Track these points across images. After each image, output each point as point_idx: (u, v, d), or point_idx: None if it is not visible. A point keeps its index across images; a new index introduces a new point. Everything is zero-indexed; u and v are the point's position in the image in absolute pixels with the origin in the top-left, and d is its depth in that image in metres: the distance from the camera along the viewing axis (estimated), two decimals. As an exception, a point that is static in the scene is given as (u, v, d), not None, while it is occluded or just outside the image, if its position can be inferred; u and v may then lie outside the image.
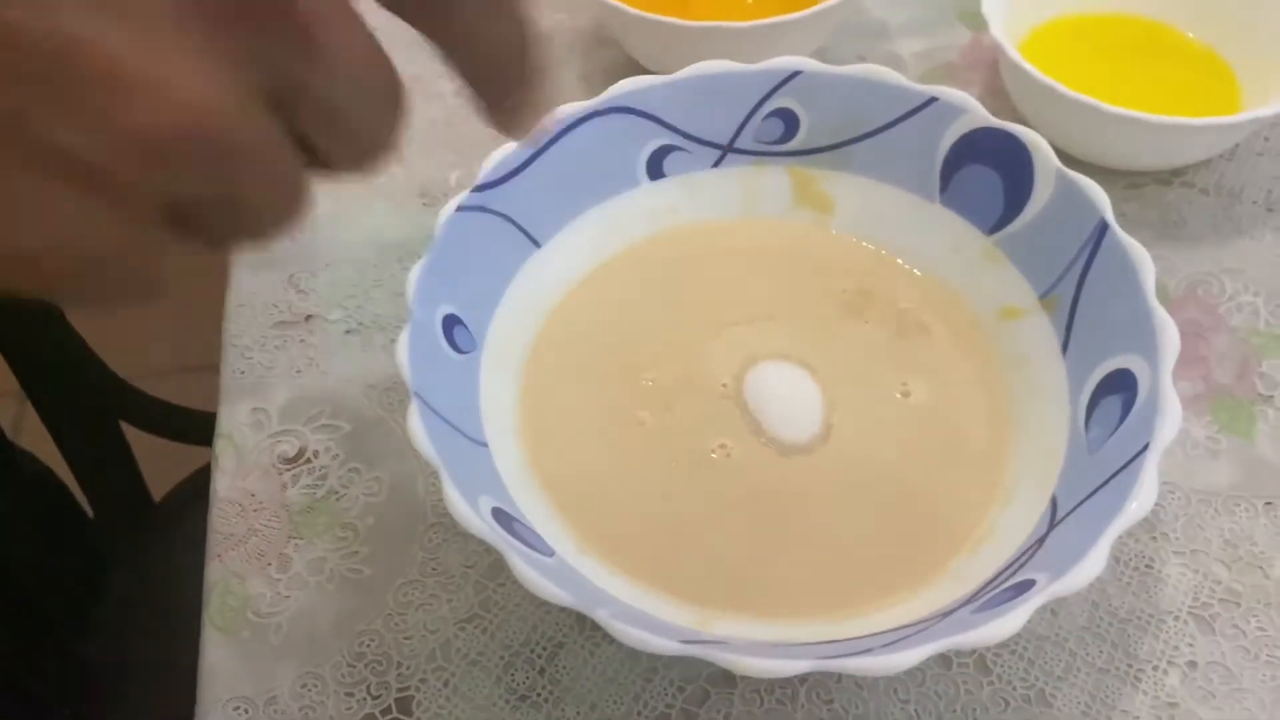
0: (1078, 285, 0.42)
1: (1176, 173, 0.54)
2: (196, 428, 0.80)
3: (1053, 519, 0.38)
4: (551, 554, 0.38)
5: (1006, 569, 0.37)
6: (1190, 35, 0.57)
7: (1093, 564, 0.33)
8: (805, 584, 0.39)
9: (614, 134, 0.46)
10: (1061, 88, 0.49)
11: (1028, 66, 0.50)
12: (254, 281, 0.51)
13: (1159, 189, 0.53)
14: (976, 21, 0.60)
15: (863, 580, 0.39)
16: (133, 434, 0.84)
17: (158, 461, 0.86)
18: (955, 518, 0.40)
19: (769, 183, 0.48)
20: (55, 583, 0.74)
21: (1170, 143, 0.50)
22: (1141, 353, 0.39)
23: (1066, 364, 0.42)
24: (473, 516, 0.35)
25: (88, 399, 0.79)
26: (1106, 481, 0.37)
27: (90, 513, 0.80)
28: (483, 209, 0.43)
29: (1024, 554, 0.37)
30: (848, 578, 0.39)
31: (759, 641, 0.36)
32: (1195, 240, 0.52)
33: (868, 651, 0.33)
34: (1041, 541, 0.37)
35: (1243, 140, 0.54)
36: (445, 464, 0.36)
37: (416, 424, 0.36)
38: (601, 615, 0.33)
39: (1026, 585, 0.34)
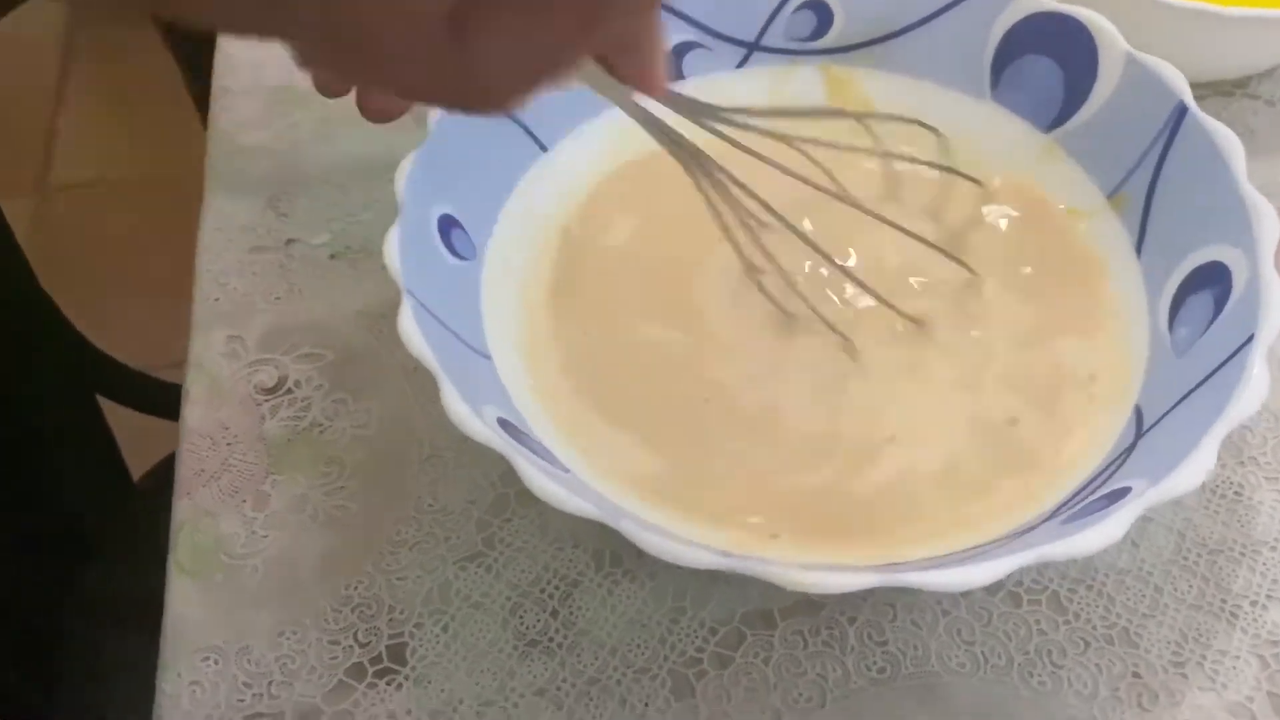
0: (1153, 177, 0.38)
1: (1239, 84, 0.49)
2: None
3: (1139, 428, 0.33)
4: (567, 472, 0.33)
5: (1092, 481, 0.32)
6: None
7: (1201, 463, 0.29)
8: (860, 504, 0.34)
9: (628, 28, 0.42)
10: (1119, -21, 0.44)
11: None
12: (230, 205, 0.46)
13: (1221, 101, 0.49)
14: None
15: (929, 499, 0.34)
16: (112, 411, 0.79)
17: (138, 440, 0.81)
18: (1026, 432, 0.35)
19: (801, 84, 0.44)
20: (27, 565, 0.68)
21: (1241, 41, 0.46)
22: (1234, 241, 0.34)
23: (1142, 264, 0.37)
24: (475, 421, 0.30)
25: (62, 370, 0.74)
26: (1203, 381, 0.32)
27: (64, 492, 0.75)
28: (483, 101, 0.38)
29: (1110, 465, 0.32)
30: (911, 495, 0.34)
31: (809, 562, 0.31)
32: (1269, 152, 0.47)
33: (942, 566, 0.28)
34: (1130, 450, 0.32)
35: (1309, 49, 0.50)
36: (443, 367, 0.31)
37: (410, 322, 0.32)
38: (628, 526, 0.28)
39: (1121, 493, 0.30)
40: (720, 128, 0.35)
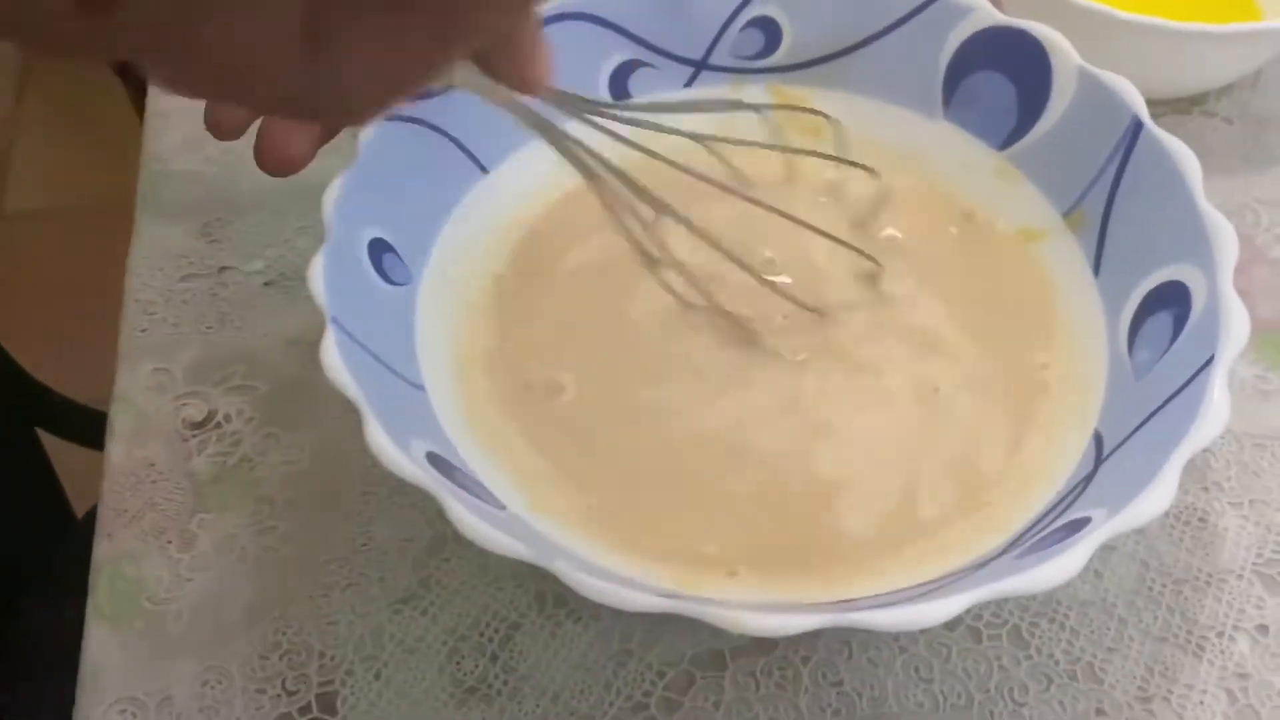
0: (1109, 195, 0.36)
1: (1195, 101, 0.49)
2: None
3: (1099, 455, 0.32)
4: (503, 509, 0.31)
5: (1050, 511, 0.31)
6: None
7: (1163, 491, 0.27)
8: (805, 539, 0.32)
9: (571, 46, 0.40)
10: (1072, -5, 0.43)
11: (1033, -24, 0.45)
12: (160, 231, 0.44)
13: (1177, 119, 0.48)
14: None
15: (875, 531, 0.32)
16: (57, 446, 0.76)
17: (84, 475, 0.79)
18: (983, 461, 0.34)
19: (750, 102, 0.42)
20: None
21: (1194, 58, 0.45)
22: (1194, 260, 0.33)
23: (1100, 285, 0.36)
24: (400, 457, 0.28)
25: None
26: (1164, 405, 0.31)
27: None
28: (419, 121, 0.37)
29: (1070, 493, 0.31)
30: (857, 528, 0.32)
31: (757, 601, 0.29)
32: (1226, 171, 0.46)
33: (895, 604, 0.27)
34: (1089, 479, 0.31)
35: (1264, 65, 0.49)
36: (369, 400, 0.29)
37: (333, 353, 0.30)
38: (563, 568, 0.26)
39: (1081, 523, 0.28)
40: (615, 125, 0.35)
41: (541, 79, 0.27)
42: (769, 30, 0.42)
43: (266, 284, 0.43)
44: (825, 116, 0.40)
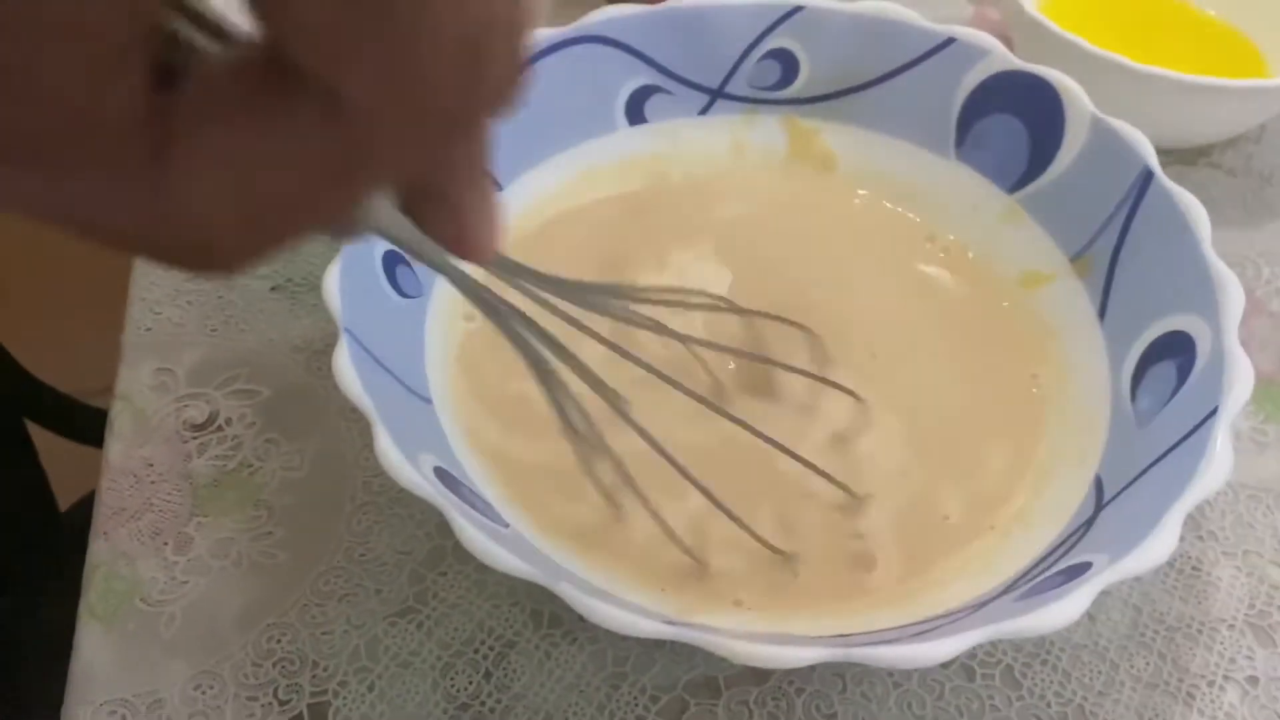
0: (1118, 242, 0.37)
1: (1202, 152, 0.49)
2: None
3: (1099, 500, 0.32)
4: (506, 526, 0.31)
5: (1049, 555, 0.31)
6: (1209, 11, 0.53)
7: (1164, 541, 0.28)
8: (807, 571, 0.32)
9: (589, 69, 0.41)
10: (1086, 44, 0.44)
11: (1048, 22, 0.45)
12: (169, 231, 0.44)
13: (1183, 170, 0.49)
14: (979, -5, 0.56)
15: (875, 567, 0.33)
16: (39, 435, 0.76)
17: (69, 469, 0.78)
18: (981, 501, 0.34)
19: (763, 134, 0.43)
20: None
21: (1202, 110, 0.45)
22: (1199, 311, 0.33)
23: (1105, 330, 0.37)
24: (409, 470, 0.28)
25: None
26: (1166, 453, 0.31)
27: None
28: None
29: (1069, 538, 0.31)
30: (856, 564, 0.33)
31: (757, 631, 0.30)
32: (1227, 223, 0.47)
33: (895, 642, 0.27)
34: (1090, 524, 0.31)
35: (1269, 120, 0.50)
36: (379, 411, 0.29)
37: (345, 363, 0.30)
38: (567, 590, 0.26)
39: (1081, 569, 0.28)
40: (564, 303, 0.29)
41: (487, 245, 0.20)
42: (786, 62, 0.42)
43: (273, 289, 0.43)
44: (806, 331, 0.37)
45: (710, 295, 0.36)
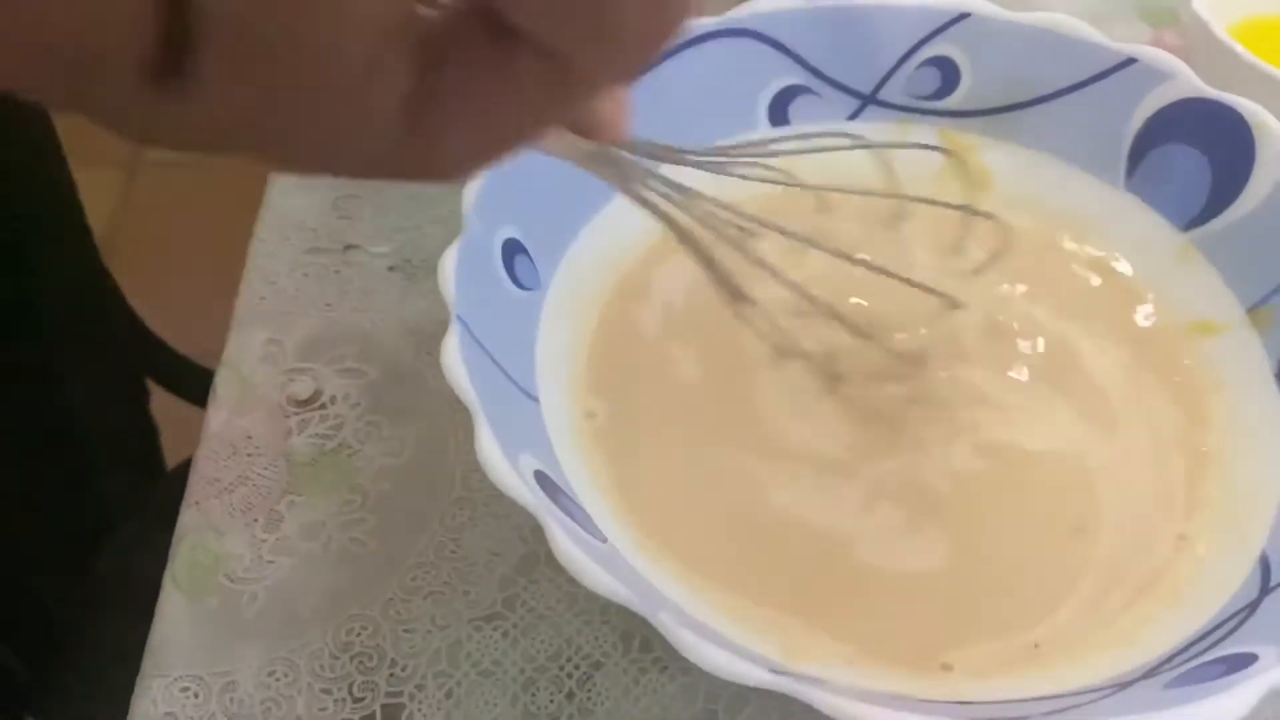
0: (1306, 295, 0.33)
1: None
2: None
3: (1265, 583, 0.29)
4: (604, 540, 0.29)
5: (1203, 638, 0.28)
6: None
7: (1347, 639, 0.24)
8: (930, 633, 0.30)
9: (733, 63, 0.39)
10: (1283, 75, 0.40)
11: (1241, 50, 0.41)
12: (292, 202, 0.43)
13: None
14: (1158, 17, 0.52)
15: (1003, 634, 0.30)
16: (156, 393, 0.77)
17: (179, 427, 0.79)
18: (1123, 567, 0.31)
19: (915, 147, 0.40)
20: (45, 541, 0.66)
21: None
22: (1396, 380, 0.30)
23: (1282, 390, 0.33)
24: (509, 472, 0.26)
25: (112, 349, 0.72)
26: (1350, 536, 0.27)
27: (97, 472, 0.73)
28: (569, 123, 0.35)
29: (1227, 621, 0.28)
30: (983, 629, 0.30)
31: (866, 689, 0.27)
32: None
33: (1020, 717, 0.24)
34: (1253, 608, 0.28)
35: None
36: (484, 406, 0.28)
37: (454, 352, 0.28)
38: (665, 621, 0.24)
39: (1244, 659, 0.25)
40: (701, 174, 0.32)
41: (619, 124, 0.26)
42: (947, 71, 0.39)
43: (391, 268, 0.42)
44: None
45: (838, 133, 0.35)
